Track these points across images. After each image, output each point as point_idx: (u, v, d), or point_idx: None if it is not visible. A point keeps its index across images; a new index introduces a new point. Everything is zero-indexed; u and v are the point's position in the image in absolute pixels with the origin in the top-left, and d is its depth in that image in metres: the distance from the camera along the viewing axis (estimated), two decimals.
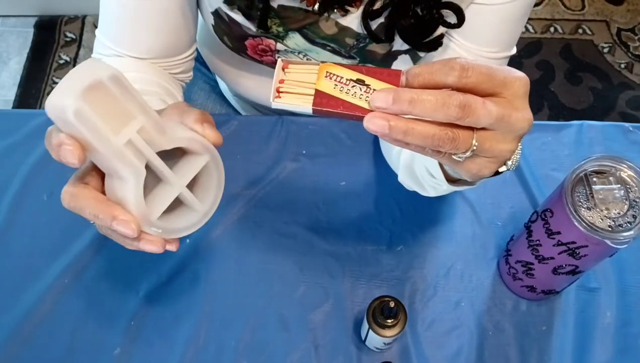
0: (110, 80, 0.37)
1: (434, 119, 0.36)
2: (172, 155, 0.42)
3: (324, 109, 0.39)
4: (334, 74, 0.39)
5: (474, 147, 0.38)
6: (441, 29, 0.58)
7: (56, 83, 1.71)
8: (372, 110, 0.37)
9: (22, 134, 0.77)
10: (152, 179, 0.42)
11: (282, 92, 0.40)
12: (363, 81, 0.38)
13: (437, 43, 0.59)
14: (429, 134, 0.37)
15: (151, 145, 0.40)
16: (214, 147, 0.43)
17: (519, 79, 0.38)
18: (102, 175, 0.43)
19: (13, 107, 1.66)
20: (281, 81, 0.40)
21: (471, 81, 0.36)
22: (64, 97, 0.36)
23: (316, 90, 0.39)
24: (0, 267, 0.69)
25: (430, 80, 0.37)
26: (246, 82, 0.78)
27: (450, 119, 0.36)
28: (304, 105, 0.39)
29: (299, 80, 0.40)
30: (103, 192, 0.42)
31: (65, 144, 0.37)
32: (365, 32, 0.60)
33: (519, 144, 0.41)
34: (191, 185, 0.43)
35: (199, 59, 0.91)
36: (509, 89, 0.38)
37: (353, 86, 0.38)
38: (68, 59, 1.77)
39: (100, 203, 0.40)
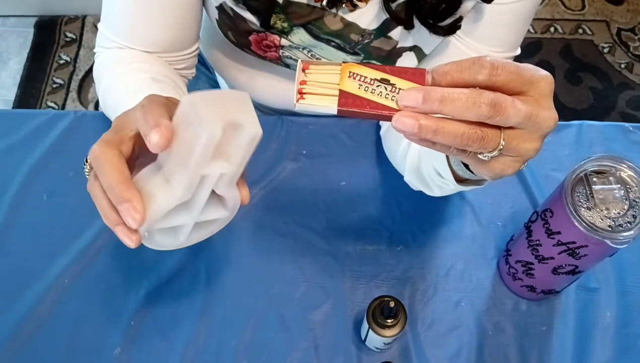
0: (249, 135, 0.38)
1: (464, 117, 0.36)
2: None
3: (350, 109, 0.38)
4: (357, 74, 0.38)
5: (501, 146, 0.38)
6: (460, 12, 0.57)
7: (56, 83, 1.72)
8: (399, 110, 0.37)
9: (22, 134, 0.77)
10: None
11: (304, 93, 0.39)
12: (388, 80, 0.38)
13: (454, 27, 0.58)
14: (458, 133, 0.36)
15: (215, 186, 0.40)
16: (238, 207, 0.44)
17: (545, 77, 0.38)
18: (134, 151, 0.42)
19: (13, 107, 1.66)
20: (302, 82, 0.40)
21: (500, 79, 0.36)
22: (209, 115, 0.36)
23: (340, 90, 0.38)
24: (0, 267, 0.69)
25: (460, 79, 0.37)
26: (249, 80, 0.78)
27: (480, 117, 0.36)
28: (329, 106, 0.39)
29: (322, 80, 0.39)
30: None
31: (166, 127, 0.37)
32: (372, 29, 0.59)
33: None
34: None
35: (200, 59, 0.92)
36: (536, 88, 0.37)
37: (378, 86, 0.38)
38: (68, 59, 1.77)
39: (123, 180, 0.39)
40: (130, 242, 0.40)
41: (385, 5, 0.58)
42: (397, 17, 0.58)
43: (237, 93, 0.39)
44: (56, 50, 1.79)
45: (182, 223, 0.42)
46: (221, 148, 0.38)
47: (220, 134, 0.36)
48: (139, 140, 0.42)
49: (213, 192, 0.42)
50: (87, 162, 0.50)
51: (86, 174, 0.45)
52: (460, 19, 0.58)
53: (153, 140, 0.37)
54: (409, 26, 0.59)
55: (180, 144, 0.38)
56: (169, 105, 0.42)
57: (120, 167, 0.40)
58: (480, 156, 0.39)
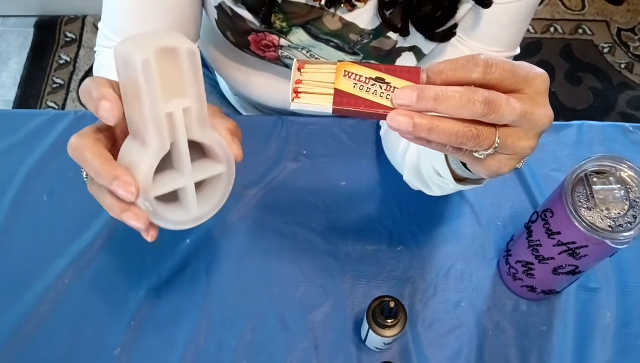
0: (186, 53, 0.37)
1: (459, 115, 0.36)
2: (192, 152, 0.42)
3: (345, 108, 0.38)
4: (352, 73, 0.39)
5: (497, 144, 0.38)
6: (455, 18, 0.57)
7: (56, 83, 1.72)
8: (394, 108, 0.37)
9: (22, 134, 0.77)
10: (165, 164, 0.41)
11: (300, 92, 0.40)
12: (383, 79, 0.38)
13: (450, 33, 0.58)
14: (453, 131, 0.36)
15: (187, 129, 0.39)
16: (234, 163, 0.43)
17: (540, 75, 0.38)
18: (114, 138, 0.42)
19: (13, 107, 1.66)
20: (298, 81, 0.40)
21: (495, 77, 0.36)
22: (140, 47, 0.36)
23: (335, 89, 0.39)
24: (0, 267, 0.69)
25: (454, 77, 0.37)
26: (247, 79, 0.78)
27: (475, 115, 0.36)
28: (325, 105, 0.39)
29: (317, 80, 0.40)
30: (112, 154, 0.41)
31: (107, 98, 0.37)
32: (371, 28, 0.60)
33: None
34: (195, 187, 0.43)
35: None
36: (531, 86, 0.38)
37: (373, 84, 0.38)
38: (68, 59, 1.77)
39: (106, 162, 0.39)
40: (139, 223, 0.39)
41: (379, 12, 0.58)
42: (391, 25, 0.59)
43: (162, 29, 0.39)
44: (56, 50, 1.79)
45: (180, 186, 0.41)
46: (170, 85, 0.38)
47: (154, 58, 0.36)
48: (121, 125, 0.41)
49: (198, 152, 0.41)
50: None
51: (84, 177, 0.44)
52: (456, 25, 0.58)
53: (103, 112, 0.37)
54: (404, 33, 0.59)
55: (131, 99, 0.38)
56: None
57: (100, 151, 0.39)
58: (476, 154, 0.39)
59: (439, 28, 0.58)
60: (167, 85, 0.37)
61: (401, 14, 0.58)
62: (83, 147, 0.39)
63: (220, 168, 0.43)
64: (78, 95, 1.70)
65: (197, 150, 0.42)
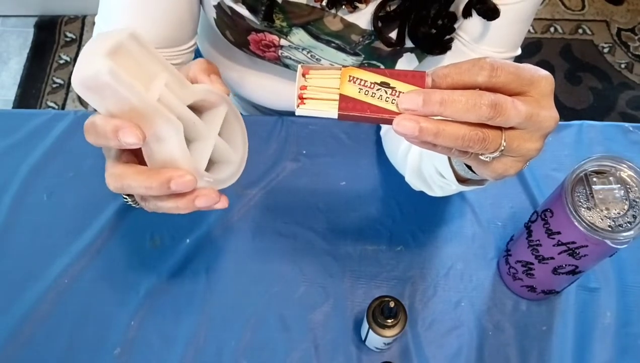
0: (130, 40, 0.37)
1: (465, 119, 0.36)
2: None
3: (351, 113, 0.38)
4: (357, 78, 0.39)
5: (503, 147, 0.38)
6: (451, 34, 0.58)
7: (56, 83, 1.72)
8: (400, 113, 0.37)
9: (22, 134, 0.77)
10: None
11: (305, 98, 0.40)
12: (388, 84, 0.38)
13: (447, 46, 0.59)
14: (459, 135, 0.36)
15: (179, 99, 0.40)
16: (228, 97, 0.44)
17: (545, 77, 0.38)
18: (134, 152, 0.42)
19: (13, 107, 1.66)
20: (303, 87, 0.40)
21: (500, 80, 0.36)
22: (93, 64, 0.36)
23: (341, 94, 0.39)
24: (0, 267, 0.69)
25: (459, 81, 0.37)
26: (242, 79, 0.78)
27: (481, 119, 0.36)
28: (330, 111, 0.39)
29: (322, 85, 0.40)
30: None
31: (123, 126, 0.37)
32: (372, 29, 0.60)
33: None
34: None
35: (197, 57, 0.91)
36: (536, 88, 0.38)
37: (378, 89, 0.38)
38: (68, 59, 1.77)
39: (149, 174, 0.39)
40: (214, 200, 0.40)
41: (374, 23, 0.58)
42: (385, 39, 0.59)
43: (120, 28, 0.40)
44: (56, 50, 1.79)
45: (212, 147, 0.42)
46: (140, 74, 0.38)
47: (112, 63, 0.35)
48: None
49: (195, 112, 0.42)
50: (125, 197, 0.51)
51: (134, 204, 0.45)
52: (452, 39, 0.58)
53: (128, 138, 0.37)
54: (399, 45, 0.60)
55: (123, 111, 0.38)
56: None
57: (137, 171, 0.40)
58: (481, 157, 0.39)
59: (435, 43, 0.58)
60: (137, 76, 0.38)
61: (397, 32, 0.58)
62: (120, 177, 0.40)
63: (222, 109, 0.44)
64: (78, 95, 1.70)
65: (192, 110, 0.43)
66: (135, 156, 0.43)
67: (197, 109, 0.43)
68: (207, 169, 0.43)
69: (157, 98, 0.38)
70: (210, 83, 0.44)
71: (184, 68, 0.45)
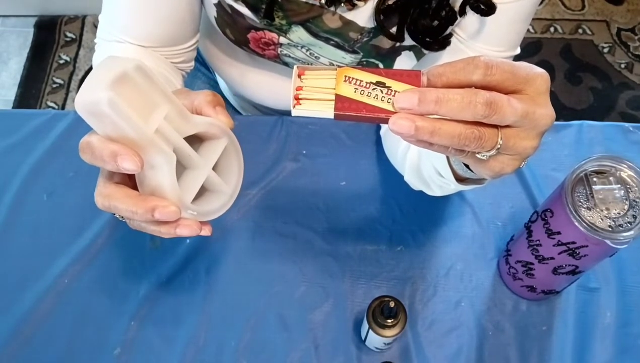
0: (135, 71, 0.38)
1: (461, 118, 0.36)
2: (191, 143, 0.43)
3: (347, 113, 0.38)
4: (353, 78, 0.39)
5: (499, 145, 0.38)
6: (451, 27, 0.58)
7: (56, 83, 1.72)
8: (396, 112, 0.37)
9: (22, 134, 0.77)
10: (178, 169, 0.43)
11: (301, 99, 0.40)
12: (383, 83, 0.38)
13: (446, 42, 0.59)
14: (455, 134, 0.36)
15: (177, 130, 0.41)
16: (230, 131, 0.45)
17: (541, 75, 0.38)
18: (127, 175, 0.43)
19: (13, 107, 1.66)
20: (299, 88, 0.40)
21: (495, 79, 0.36)
22: (95, 91, 0.37)
23: (336, 94, 0.39)
24: (0, 267, 0.69)
25: (454, 80, 0.37)
26: (243, 78, 0.78)
27: (476, 117, 0.36)
28: (326, 111, 0.39)
29: (317, 86, 0.40)
30: (133, 188, 0.43)
31: (121, 153, 0.38)
32: (371, 27, 0.60)
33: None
34: (214, 170, 0.45)
35: (198, 59, 0.91)
36: (532, 86, 0.38)
37: (374, 89, 0.38)
38: (68, 59, 1.77)
39: (136, 200, 0.41)
40: (194, 231, 0.43)
41: (376, 16, 0.58)
42: (388, 33, 0.59)
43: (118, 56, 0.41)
44: (56, 50, 1.79)
45: (203, 179, 0.43)
46: (141, 105, 0.39)
47: (114, 93, 0.36)
48: None
49: (195, 140, 0.43)
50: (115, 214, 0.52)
51: (120, 218, 0.47)
52: (451, 35, 0.58)
53: (127, 165, 0.38)
54: (398, 40, 0.60)
55: (120, 138, 0.39)
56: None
57: (126, 194, 0.41)
58: (478, 156, 0.39)
59: (435, 38, 0.58)
60: (138, 107, 0.39)
61: (398, 24, 0.58)
62: (108, 198, 0.42)
63: (223, 141, 0.45)
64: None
65: (193, 139, 0.44)
66: (127, 177, 0.44)
67: (197, 137, 0.44)
68: (199, 196, 0.44)
69: (155, 129, 0.39)
70: (215, 114, 0.44)
71: (190, 97, 0.45)
